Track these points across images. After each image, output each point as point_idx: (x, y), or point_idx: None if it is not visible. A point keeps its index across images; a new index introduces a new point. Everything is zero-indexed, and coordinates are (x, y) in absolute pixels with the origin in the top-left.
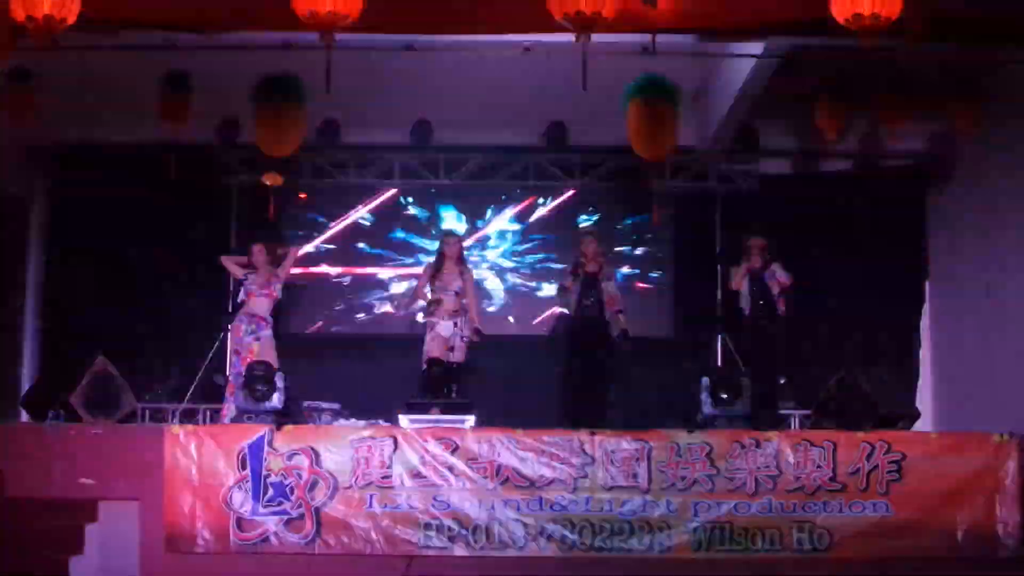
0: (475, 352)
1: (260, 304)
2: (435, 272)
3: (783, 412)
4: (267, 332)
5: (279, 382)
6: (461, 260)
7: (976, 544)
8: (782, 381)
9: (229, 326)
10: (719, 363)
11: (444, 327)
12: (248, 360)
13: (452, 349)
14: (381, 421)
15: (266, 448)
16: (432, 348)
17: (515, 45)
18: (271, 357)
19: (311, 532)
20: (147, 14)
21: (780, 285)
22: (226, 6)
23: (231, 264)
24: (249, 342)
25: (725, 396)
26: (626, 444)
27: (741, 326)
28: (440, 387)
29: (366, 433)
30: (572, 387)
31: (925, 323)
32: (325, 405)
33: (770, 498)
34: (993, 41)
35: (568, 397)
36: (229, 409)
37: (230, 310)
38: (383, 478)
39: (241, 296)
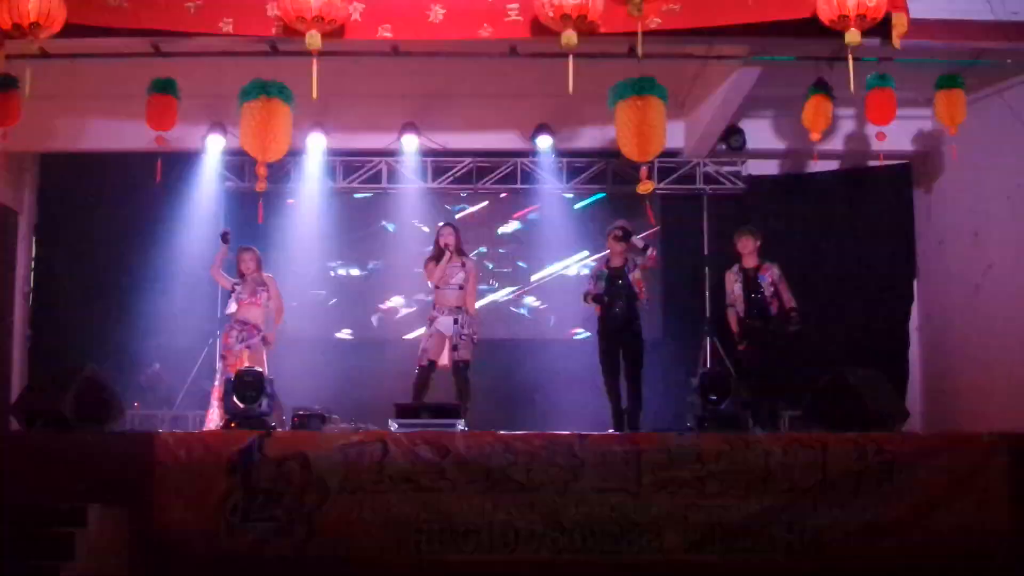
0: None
1: (251, 312)
2: (435, 264)
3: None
4: (256, 340)
5: (268, 388)
6: (461, 251)
7: (966, 544)
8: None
9: (218, 332)
10: (708, 365)
11: (444, 323)
12: (237, 367)
13: (456, 348)
14: (371, 426)
15: (256, 454)
16: (430, 346)
17: (501, 48)
18: (261, 365)
19: (302, 538)
20: (132, 20)
21: (774, 287)
22: (212, 11)
23: (221, 277)
24: (239, 350)
25: (715, 398)
26: (616, 446)
27: (732, 327)
28: (425, 390)
29: (356, 438)
30: (614, 389)
31: (914, 323)
32: (315, 410)
33: (760, 500)
34: (976, 38)
35: (615, 399)
36: (213, 414)
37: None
38: (374, 483)
39: (231, 306)
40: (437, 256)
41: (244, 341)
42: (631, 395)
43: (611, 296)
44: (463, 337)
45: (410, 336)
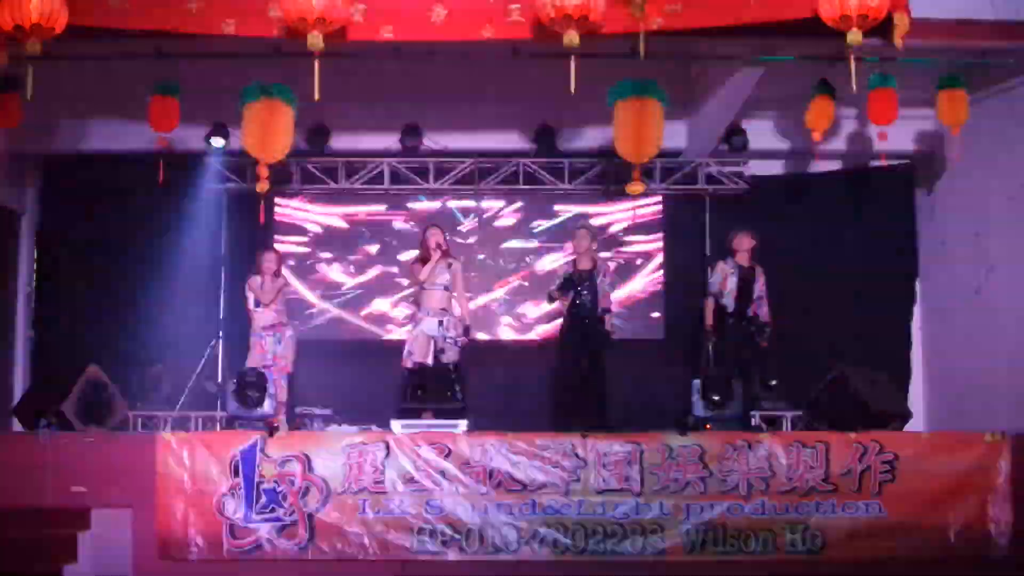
0: (468, 355)
1: (274, 315)
2: (421, 265)
3: (776, 413)
4: (289, 333)
5: (271, 388)
6: (447, 252)
7: (968, 544)
8: (773, 383)
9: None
10: (710, 365)
11: (429, 325)
12: (284, 369)
13: (443, 351)
14: (373, 427)
15: (259, 455)
16: (415, 348)
17: (503, 49)
18: (291, 356)
19: (304, 538)
20: (134, 21)
21: (762, 292)
22: (214, 12)
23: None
24: (279, 351)
25: (716, 398)
26: (618, 447)
27: (722, 325)
28: (419, 393)
29: (358, 439)
30: (570, 388)
31: (916, 323)
32: (317, 411)
33: (763, 500)
34: (979, 38)
35: (566, 398)
36: (283, 426)
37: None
38: (376, 484)
39: (259, 312)
40: (423, 257)
41: (280, 342)
42: (597, 395)
43: (577, 298)
44: (448, 340)
45: (391, 336)
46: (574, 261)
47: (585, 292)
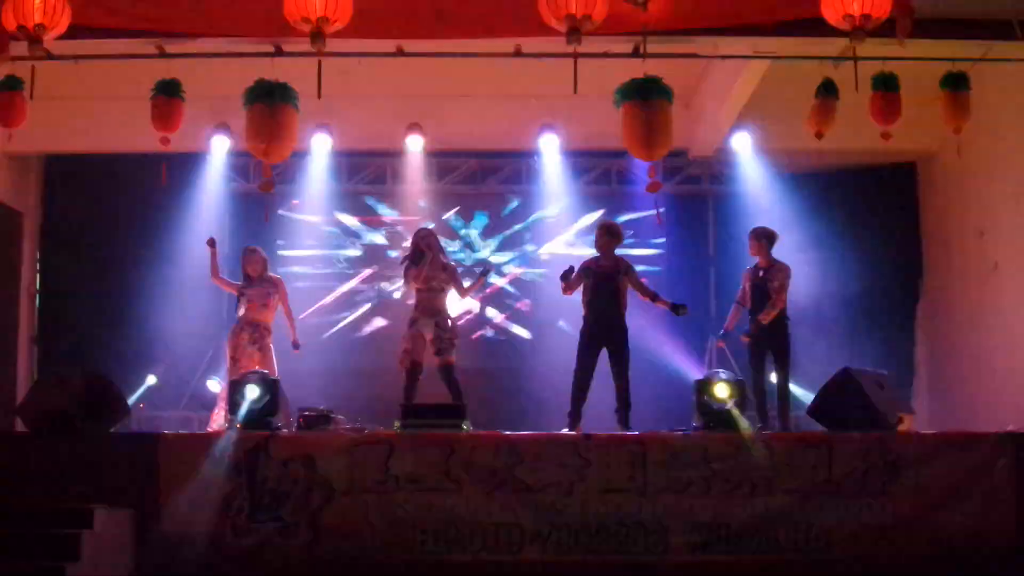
0: (470, 354)
1: (261, 313)
2: (414, 268)
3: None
4: (268, 341)
5: (275, 389)
6: (441, 253)
7: (971, 544)
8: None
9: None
10: (714, 365)
11: (425, 326)
12: (249, 369)
13: (439, 352)
14: (377, 427)
15: (262, 455)
16: (411, 347)
17: (506, 48)
18: (271, 366)
19: (307, 539)
20: (137, 21)
21: (776, 292)
22: (217, 13)
23: (224, 283)
24: (252, 351)
25: (720, 397)
26: (622, 447)
27: (728, 321)
28: (415, 391)
29: (361, 439)
30: (583, 387)
31: (920, 322)
32: (320, 411)
33: (766, 499)
34: (983, 38)
35: (579, 397)
36: (219, 415)
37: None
38: (379, 484)
39: (241, 308)
40: (416, 259)
41: (256, 343)
42: (619, 396)
43: (597, 295)
44: (444, 341)
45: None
46: (596, 258)
47: (605, 291)
